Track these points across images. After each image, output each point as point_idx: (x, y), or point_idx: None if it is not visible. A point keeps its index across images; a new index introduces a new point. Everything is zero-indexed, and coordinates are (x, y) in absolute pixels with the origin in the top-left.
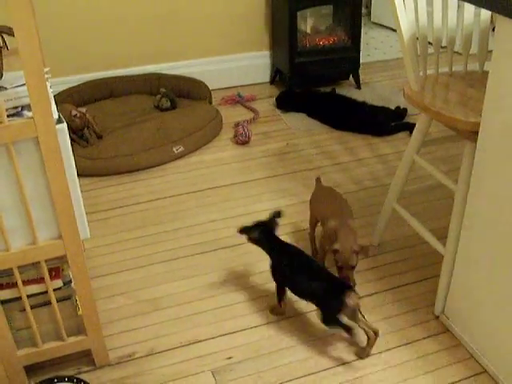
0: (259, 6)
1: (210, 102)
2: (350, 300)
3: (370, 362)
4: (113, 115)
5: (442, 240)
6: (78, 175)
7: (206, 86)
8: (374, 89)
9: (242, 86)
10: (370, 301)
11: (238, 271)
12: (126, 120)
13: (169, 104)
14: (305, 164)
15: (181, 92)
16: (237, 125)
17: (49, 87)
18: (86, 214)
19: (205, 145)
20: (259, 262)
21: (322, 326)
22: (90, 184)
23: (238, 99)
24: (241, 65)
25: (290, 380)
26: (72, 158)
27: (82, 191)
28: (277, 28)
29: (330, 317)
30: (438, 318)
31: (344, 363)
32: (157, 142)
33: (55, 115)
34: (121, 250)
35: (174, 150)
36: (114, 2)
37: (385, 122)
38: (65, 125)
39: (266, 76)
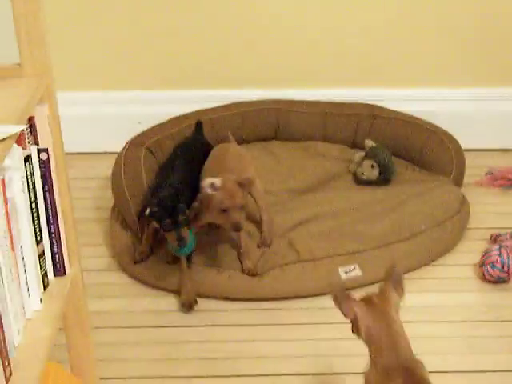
0: None
1: (458, 181)
2: None
3: None
4: (268, 180)
5: None
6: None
7: (454, 146)
8: None
9: None
10: None
11: None
12: (286, 194)
13: (376, 174)
14: None
15: (405, 149)
16: (494, 239)
17: None
18: None
19: (417, 268)
20: None
21: None
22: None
23: None
24: None
25: None
26: None
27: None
28: None
29: None
30: None
31: None
32: (316, 250)
33: None
34: None
35: (342, 271)
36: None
37: None
38: None
39: None
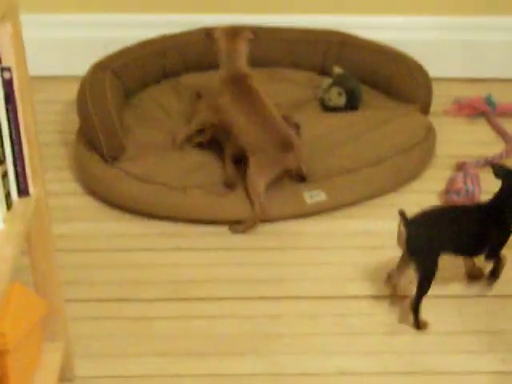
0: None
1: (426, 109)
2: None
3: None
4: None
5: None
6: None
7: (422, 74)
8: None
9: (501, 80)
10: None
11: None
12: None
13: (343, 101)
14: None
15: (373, 78)
16: (460, 167)
17: None
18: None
19: (382, 195)
20: None
21: None
22: (122, 235)
23: (486, 108)
24: (505, 39)
25: None
26: None
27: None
28: None
29: None
30: None
31: None
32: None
33: None
34: None
35: (307, 196)
36: None
37: None
38: None
39: None
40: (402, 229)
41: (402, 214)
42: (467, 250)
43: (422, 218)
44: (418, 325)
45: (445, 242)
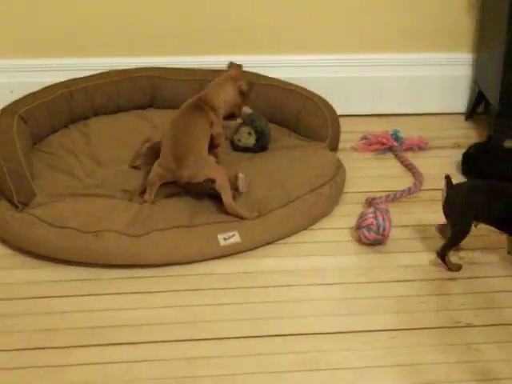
0: None
1: (334, 147)
2: None
3: None
4: (123, 146)
5: None
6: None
7: (330, 111)
8: None
9: (407, 115)
10: None
11: None
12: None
13: (253, 141)
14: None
15: (281, 116)
16: (369, 203)
17: None
18: None
19: (295, 233)
20: None
21: None
22: (39, 283)
23: (392, 144)
24: (409, 75)
25: None
26: None
27: None
28: (487, 17)
29: None
30: None
31: None
32: (194, 216)
33: None
34: None
35: (221, 238)
36: None
37: None
38: None
39: (459, 102)
40: (445, 191)
41: (447, 177)
42: (498, 223)
43: (462, 187)
44: (450, 268)
45: (477, 212)
